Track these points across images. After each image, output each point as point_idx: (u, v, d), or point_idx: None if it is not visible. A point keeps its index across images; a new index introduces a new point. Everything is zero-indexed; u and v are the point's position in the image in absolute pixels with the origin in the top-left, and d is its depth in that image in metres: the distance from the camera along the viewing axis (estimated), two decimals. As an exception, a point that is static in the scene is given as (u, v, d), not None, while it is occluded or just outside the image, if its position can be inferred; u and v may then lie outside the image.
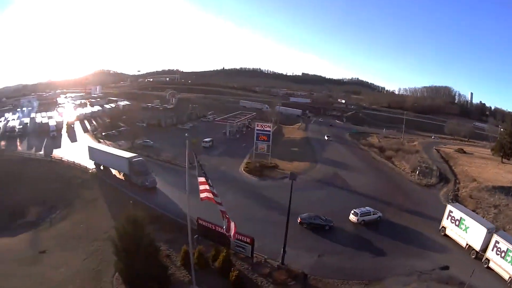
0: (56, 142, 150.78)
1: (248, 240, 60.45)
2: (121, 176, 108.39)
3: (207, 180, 45.95)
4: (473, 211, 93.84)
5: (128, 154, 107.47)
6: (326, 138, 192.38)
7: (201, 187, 46.19)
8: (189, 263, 55.19)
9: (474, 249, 70.77)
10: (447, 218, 78.79)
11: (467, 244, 73.05)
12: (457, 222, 76.08)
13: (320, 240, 73.38)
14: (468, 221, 73.80)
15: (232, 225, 46.86)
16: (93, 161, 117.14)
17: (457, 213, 76.59)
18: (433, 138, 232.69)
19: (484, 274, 62.81)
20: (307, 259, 65.15)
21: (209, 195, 45.81)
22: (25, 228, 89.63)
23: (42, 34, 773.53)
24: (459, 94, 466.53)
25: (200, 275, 56.53)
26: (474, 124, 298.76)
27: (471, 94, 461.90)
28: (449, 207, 79.71)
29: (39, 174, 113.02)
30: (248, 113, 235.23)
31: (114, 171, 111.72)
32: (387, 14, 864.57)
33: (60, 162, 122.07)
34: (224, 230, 48.91)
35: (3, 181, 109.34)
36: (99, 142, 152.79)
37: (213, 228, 64.47)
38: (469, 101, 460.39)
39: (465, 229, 73.95)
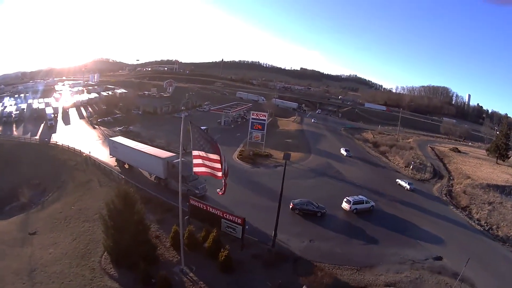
0: (52, 128, 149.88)
1: (239, 221, 59.83)
2: (152, 178, 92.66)
3: (219, 154, 45.16)
4: (467, 207, 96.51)
5: (165, 154, 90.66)
6: (344, 153, 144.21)
7: (196, 161, 46.09)
8: (178, 244, 55.16)
9: None
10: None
11: None
12: None
13: (312, 226, 73.20)
14: None
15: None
16: (115, 158, 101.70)
17: None
18: (463, 141, 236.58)
19: (478, 266, 62.59)
20: (298, 244, 65.13)
21: (208, 170, 45.85)
22: (18, 210, 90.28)
23: (43, 22, 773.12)
24: (457, 95, 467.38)
25: (189, 256, 56.97)
26: (443, 119, 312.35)
27: (469, 96, 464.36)
28: None
29: (33, 158, 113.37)
30: (244, 104, 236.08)
31: (144, 172, 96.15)
32: (387, 11, 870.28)
33: (54, 146, 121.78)
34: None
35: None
36: (94, 128, 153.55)
37: (205, 208, 64.21)
38: (466, 103, 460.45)
39: None
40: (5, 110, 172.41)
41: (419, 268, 61.69)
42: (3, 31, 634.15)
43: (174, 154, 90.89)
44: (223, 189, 47.33)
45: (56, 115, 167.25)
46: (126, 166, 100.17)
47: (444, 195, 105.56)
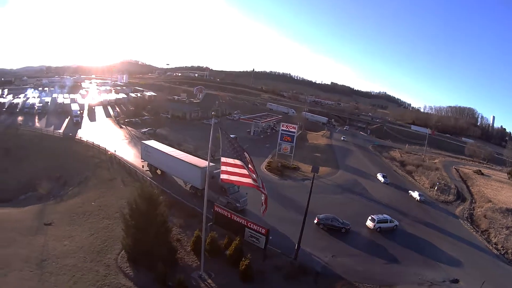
0: (78, 124, 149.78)
1: (263, 231, 59.26)
2: (187, 188, 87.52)
3: (243, 161, 44.22)
4: (486, 230, 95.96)
5: (203, 163, 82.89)
6: (382, 179, 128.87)
7: (224, 168, 44.92)
8: (199, 249, 54.35)
9: None
10: None
11: None
12: None
13: (335, 242, 72.49)
14: None
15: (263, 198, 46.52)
16: (147, 163, 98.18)
17: None
18: (487, 163, 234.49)
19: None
20: (320, 258, 64.27)
21: (234, 178, 44.84)
22: (34, 201, 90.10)
23: (73, 19, 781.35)
24: (482, 117, 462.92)
25: (209, 263, 56.32)
26: (462, 139, 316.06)
27: (493, 117, 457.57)
28: None
29: (55, 151, 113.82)
30: (274, 115, 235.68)
31: (176, 179, 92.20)
32: (420, 32, 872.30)
33: (79, 141, 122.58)
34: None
35: (17, 154, 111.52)
36: (121, 128, 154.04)
37: (229, 216, 63.78)
38: (490, 125, 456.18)
39: None
40: (27, 102, 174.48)
41: (436, 290, 60.69)
42: (30, 23, 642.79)
43: (213, 164, 74.67)
44: (265, 207, 47.77)
45: (81, 111, 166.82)
46: (159, 172, 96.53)
47: (465, 218, 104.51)
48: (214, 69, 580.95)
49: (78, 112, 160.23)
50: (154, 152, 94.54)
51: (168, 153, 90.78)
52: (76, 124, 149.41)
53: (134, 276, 54.30)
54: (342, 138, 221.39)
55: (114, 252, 60.13)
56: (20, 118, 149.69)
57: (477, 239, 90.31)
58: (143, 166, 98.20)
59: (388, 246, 74.50)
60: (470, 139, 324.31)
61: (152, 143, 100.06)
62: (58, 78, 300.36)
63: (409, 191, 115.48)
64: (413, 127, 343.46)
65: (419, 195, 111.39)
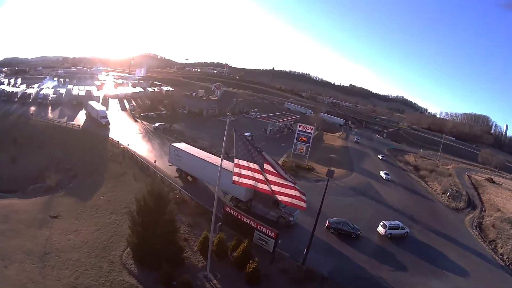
0: (107, 127, 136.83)
1: (273, 234, 58.36)
2: (225, 199, 78.38)
3: (258, 164, 42.53)
4: (493, 240, 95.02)
5: None
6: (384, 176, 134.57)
7: (236, 170, 43.85)
8: (206, 249, 53.55)
9: None
10: None
11: None
12: None
13: (345, 247, 71.46)
14: None
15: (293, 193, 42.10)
16: (177, 168, 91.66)
17: None
18: (498, 171, 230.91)
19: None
20: (328, 263, 63.52)
21: (245, 181, 43.58)
22: (42, 192, 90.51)
23: (94, 10, 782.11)
24: (496, 125, 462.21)
25: (216, 264, 55.86)
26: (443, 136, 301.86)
27: (507, 126, 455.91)
28: None
29: (67, 142, 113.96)
30: (292, 115, 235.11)
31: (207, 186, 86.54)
32: (440, 39, 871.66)
33: (91, 134, 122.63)
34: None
35: (28, 145, 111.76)
36: (136, 121, 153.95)
37: (239, 217, 62.91)
38: (503, 133, 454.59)
39: None
40: (41, 92, 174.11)
41: (441, 301, 59.84)
42: (48, 12, 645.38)
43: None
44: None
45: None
46: (190, 178, 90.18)
47: (474, 227, 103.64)
48: (233, 66, 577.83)
49: (106, 112, 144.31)
50: (187, 157, 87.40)
51: (205, 159, 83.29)
52: (105, 125, 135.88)
53: (139, 273, 54.10)
54: (380, 157, 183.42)
55: (119, 248, 60.02)
56: (32, 108, 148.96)
57: (484, 249, 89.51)
58: (176, 177, 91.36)
59: (397, 254, 73.69)
60: (484, 148, 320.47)
61: (183, 146, 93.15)
62: (74, 69, 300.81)
63: None
64: None
65: None
